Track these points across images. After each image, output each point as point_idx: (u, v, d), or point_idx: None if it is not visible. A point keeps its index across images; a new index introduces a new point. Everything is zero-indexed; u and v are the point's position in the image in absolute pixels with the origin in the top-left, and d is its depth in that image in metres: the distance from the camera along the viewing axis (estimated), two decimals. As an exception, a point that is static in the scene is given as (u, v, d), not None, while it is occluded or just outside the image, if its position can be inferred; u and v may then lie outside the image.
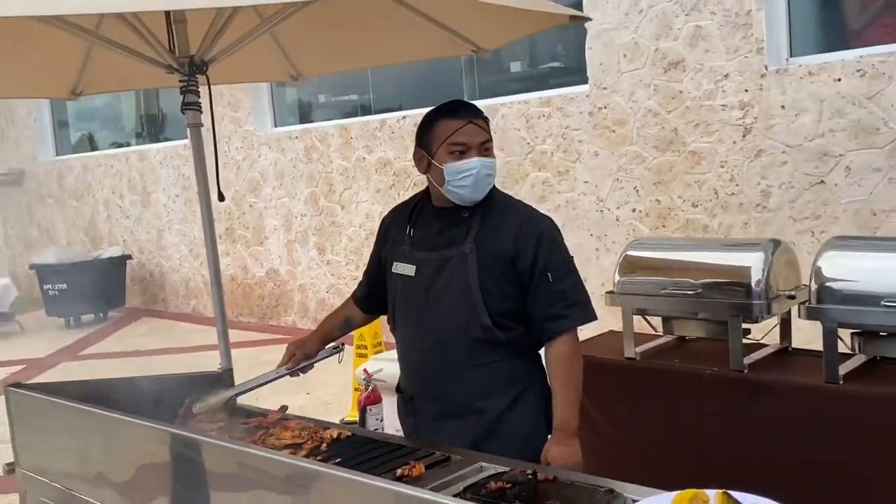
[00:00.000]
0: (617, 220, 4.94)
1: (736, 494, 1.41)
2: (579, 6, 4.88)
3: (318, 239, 7.00)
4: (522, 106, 5.40)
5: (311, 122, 7.32)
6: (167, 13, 2.62)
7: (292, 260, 7.26)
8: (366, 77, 6.75)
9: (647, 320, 3.03)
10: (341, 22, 2.98)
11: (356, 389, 4.24)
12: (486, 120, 2.14)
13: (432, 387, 2.15)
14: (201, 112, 2.61)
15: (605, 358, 2.92)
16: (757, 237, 4.17)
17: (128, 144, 9.63)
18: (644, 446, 2.80)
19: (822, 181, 4.17)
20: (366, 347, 4.54)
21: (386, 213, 2.34)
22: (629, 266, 2.93)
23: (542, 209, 5.53)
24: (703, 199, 4.58)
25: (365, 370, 3.64)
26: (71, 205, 9.77)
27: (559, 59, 5.86)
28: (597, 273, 4.78)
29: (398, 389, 2.32)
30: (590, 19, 2.73)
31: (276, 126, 7.47)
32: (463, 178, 2.06)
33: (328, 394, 4.95)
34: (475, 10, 2.61)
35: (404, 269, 2.16)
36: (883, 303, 2.41)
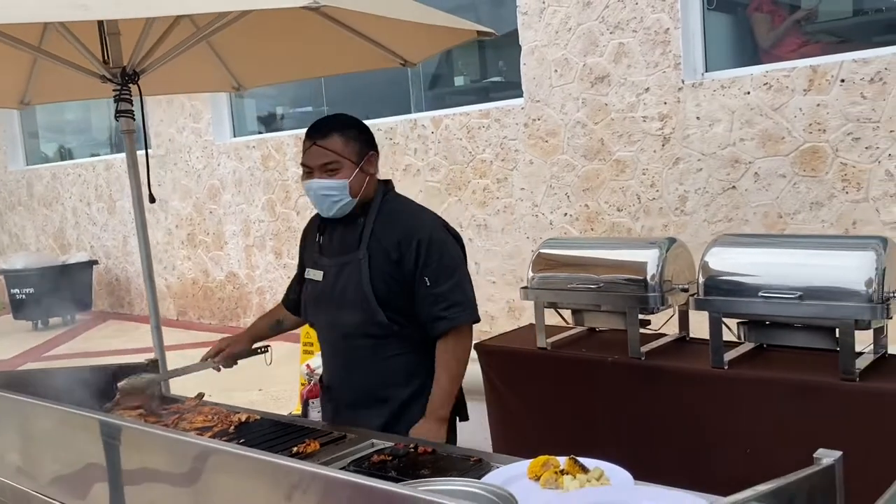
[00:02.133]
0: (550, 223, 5.25)
1: (582, 459, 1.60)
2: (514, 23, 5.20)
3: (275, 244, 7.23)
4: (464, 117, 5.70)
5: (269, 132, 7.56)
6: (100, 26, 2.83)
7: (250, 264, 7.47)
8: (321, 90, 7.01)
9: (559, 314, 3.32)
10: (277, 35, 3.20)
11: (302, 384, 4.48)
12: (343, 136, 2.20)
13: (343, 378, 2.37)
14: (133, 119, 2.83)
15: (520, 348, 3.20)
16: (656, 237, 4.49)
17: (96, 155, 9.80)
18: (551, 427, 3.08)
19: (733, 186, 4.51)
20: (312, 345, 4.78)
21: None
22: (541, 263, 3.21)
23: (482, 214, 5.81)
24: (627, 203, 4.90)
25: (308, 365, 3.89)
26: (41, 212, 9.89)
27: (500, 73, 6.17)
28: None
29: (320, 380, 2.56)
30: (494, 34, 3.00)
31: (235, 136, 7.69)
32: (310, 197, 2.26)
33: (279, 389, 5.18)
34: (399, 26, 2.84)
35: (314, 274, 2.36)
36: (761, 294, 2.69)
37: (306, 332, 4.88)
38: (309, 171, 2.25)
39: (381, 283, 2.23)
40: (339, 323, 2.30)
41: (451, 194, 5.78)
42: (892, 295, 2.51)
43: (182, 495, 1.51)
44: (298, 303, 2.51)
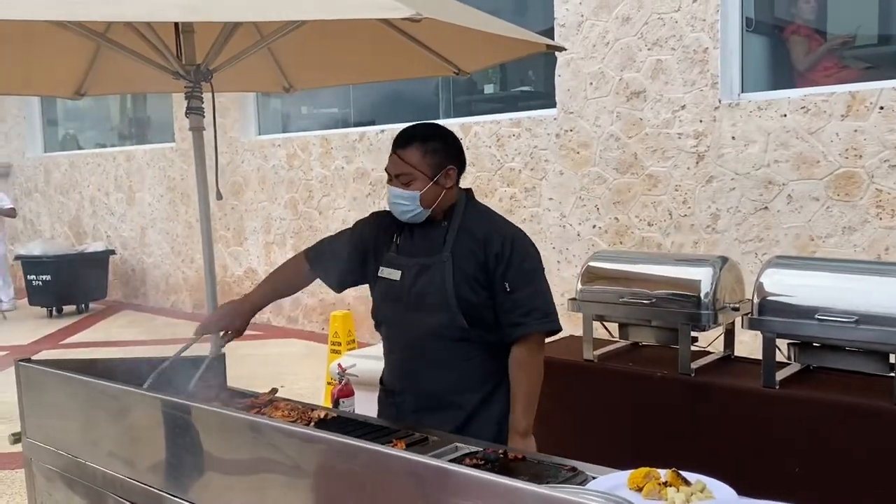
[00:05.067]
0: (578, 235, 5.29)
1: (684, 473, 1.64)
2: (551, 35, 5.24)
3: (296, 242, 7.24)
4: (494, 125, 5.73)
5: (293, 131, 7.58)
6: (176, 23, 2.84)
7: (270, 261, 7.49)
8: (347, 92, 7.04)
9: (605, 326, 3.35)
10: (333, 39, 3.18)
11: (329, 383, 4.51)
12: (423, 148, 2.22)
13: (412, 382, 2.35)
14: (203, 116, 2.84)
15: (566, 359, 3.22)
16: (706, 254, 4.54)
17: (113, 145, 9.80)
18: (599, 440, 3.11)
19: (766, 207, 4.56)
20: (339, 344, 4.81)
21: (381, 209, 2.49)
22: (590, 276, 3.25)
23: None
24: (658, 219, 4.95)
25: (339, 365, 3.90)
26: (57, 200, 9.88)
27: (529, 83, 6.22)
28: (558, 283, 5.11)
29: (381, 382, 2.55)
30: (564, 49, 3.04)
31: (259, 134, 7.71)
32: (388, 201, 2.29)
33: (302, 387, 5.20)
34: (459, 35, 2.80)
35: (390, 273, 2.34)
36: (816, 316, 2.73)
37: (335, 331, 4.91)
38: (389, 178, 2.29)
39: (463, 287, 2.24)
40: (416, 324, 2.29)
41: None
42: (948, 323, 2.56)
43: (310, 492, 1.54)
44: (324, 260, 2.47)
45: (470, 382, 2.30)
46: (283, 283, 2.57)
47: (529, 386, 2.27)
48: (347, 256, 2.44)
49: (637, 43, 4.98)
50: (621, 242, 5.10)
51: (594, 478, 1.72)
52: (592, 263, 3.31)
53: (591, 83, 5.20)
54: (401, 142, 2.27)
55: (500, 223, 2.36)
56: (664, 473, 1.63)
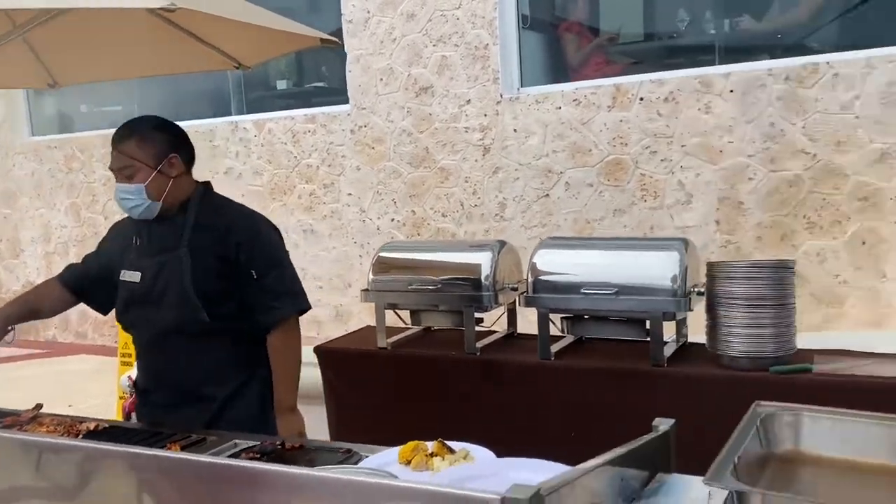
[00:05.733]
0: (378, 228, 5.36)
1: (449, 442, 1.76)
2: (339, 32, 5.26)
3: (80, 250, 6.75)
4: (289, 122, 5.68)
5: (73, 131, 7.06)
6: None
7: (51, 272, 6.91)
8: (132, 88, 6.66)
9: (397, 314, 3.44)
10: (98, 31, 3.02)
11: (121, 397, 4.27)
12: (140, 139, 2.23)
13: (159, 380, 2.36)
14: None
15: (362, 349, 3.28)
16: (486, 239, 4.77)
17: None
18: (396, 423, 3.18)
19: (547, 194, 4.86)
20: (130, 355, 4.56)
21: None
22: (381, 266, 3.32)
23: (309, 219, 5.81)
24: (451, 210, 5.13)
25: (129, 377, 3.72)
26: None
27: (323, 79, 6.21)
28: (359, 277, 5.17)
29: (134, 385, 2.50)
30: (338, 43, 3.07)
31: (33, 135, 7.11)
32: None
33: (91, 405, 4.88)
34: (235, 29, 2.78)
35: (131, 276, 2.33)
36: (582, 290, 2.96)
37: (124, 342, 4.65)
38: (115, 176, 2.27)
39: (203, 280, 2.25)
40: (157, 322, 2.28)
41: (276, 199, 5.73)
42: (692, 290, 2.86)
43: None
44: (82, 280, 2.46)
45: (217, 375, 2.31)
46: (38, 303, 2.48)
47: (290, 368, 2.33)
48: (98, 275, 2.41)
49: (422, 39, 5.12)
50: (418, 234, 5.24)
51: (367, 457, 1.77)
52: (382, 254, 3.38)
53: (382, 79, 5.28)
54: (118, 136, 2.27)
55: (240, 213, 2.39)
56: (431, 445, 1.71)
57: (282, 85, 6.31)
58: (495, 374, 3.10)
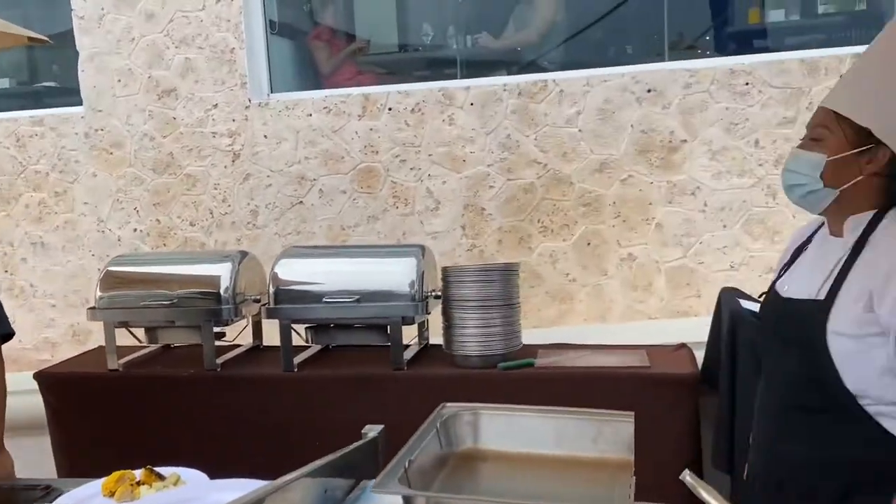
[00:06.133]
0: (119, 240, 5.02)
1: (159, 468, 1.68)
2: (69, 24, 4.87)
3: None
4: (12, 124, 5.14)
5: None
6: None
7: None
8: None
9: (131, 332, 3.24)
10: None
11: None
12: None
13: None
14: None
15: (89, 372, 3.05)
16: (226, 250, 4.65)
17: None
18: (130, 450, 2.99)
19: (301, 201, 4.82)
20: None
21: None
22: (111, 281, 3.11)
23: (38, 231, 5.33)
24: (199, 218, 4.92)
25: None
26: None
27: (53, 78, 5.70)
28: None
29: None
30: (48, 42, 2.84)
31: None
32: None
33: None
34: None
35: None
36: (325, 300, 2.98)
37: None
38: None
39: None
40: None
41: (0, 209, 5.18)
42: (429, 294, 2.97)
43: None
44: None
45: None
46: None
47: None
48: None
49: (164, 40, 4.87)
50: (165, 244, 4.97)
51: (67, 492, 1.64)
52: (112, 268, 3.18)
53: (119, 80, 4.95)
54: None
55: None
56: (139, 473, 1.62)
57: (3, 83, 5.71)
58: (238, 389, 3.03)
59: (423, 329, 3.21)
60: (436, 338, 3.18)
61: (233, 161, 4.87)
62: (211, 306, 3.00)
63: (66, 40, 5.05)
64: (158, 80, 4.90)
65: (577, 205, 4.50)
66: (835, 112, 1.53)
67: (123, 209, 5.02)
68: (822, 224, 1.69)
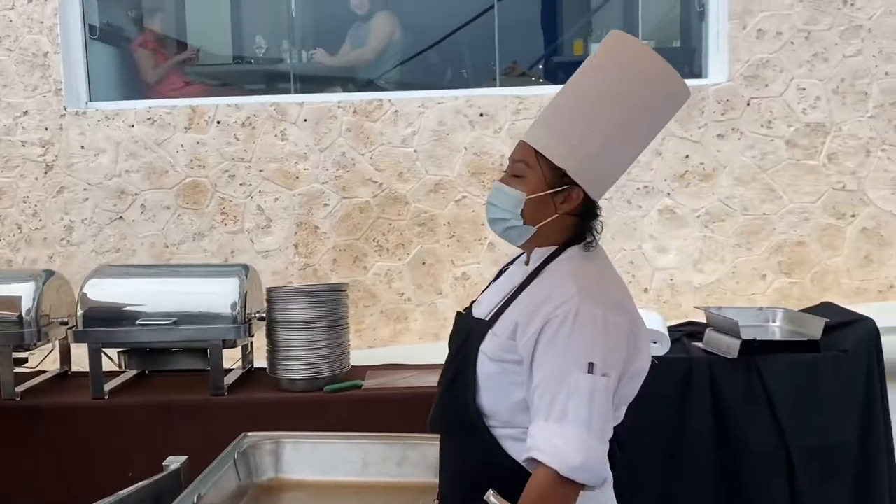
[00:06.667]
0: None
1: None
2: None
3: None
4: None
5: None
6: None
7: None
8: None
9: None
10: None
11: None
12: None
13: None
14: None
15: None
16: (29, 269, 4.32)
17: None
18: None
19: (121, 217, 4.55)
20: None
21: None
22: None
23: None
24: (6, 233, 4.53)
25: None
26: None
27: None
28: None
29: None
30: None
31: None
32: None
33: None
34: None
35: None
36: (139, 322, 2.81)
37: None
38: None
39: None
40: None
41: None
42: (253, 315, 2.88)
43: None
44: None
45: None
46: None
47: None
48: None
49: (-35, 39, 4.47)
50: (-37, 262, 4.53)
51: None
52: None
53: (-88, 80, 4.48)
54: None
55: None
56: None
57: None
58: (43, 419, 2.79)
59: (246, 352, 3.10)
60: (260, 361, 3.09)
61: (45, 173, 4.52)
62: (11, 330, 2.75)
63: None
64: (-41, 82, 4.49)
65: (413, 224, 4.54)
66: (535, 149, 1.53)
67: (-86, 222, 4.54)
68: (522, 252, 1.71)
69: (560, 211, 1.54)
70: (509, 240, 1.61)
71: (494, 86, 4.98)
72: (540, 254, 1.59)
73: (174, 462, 1.37)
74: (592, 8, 6.25)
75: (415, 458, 1.13)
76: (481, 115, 4.49)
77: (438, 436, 1.23)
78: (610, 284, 1.57)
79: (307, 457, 1.17)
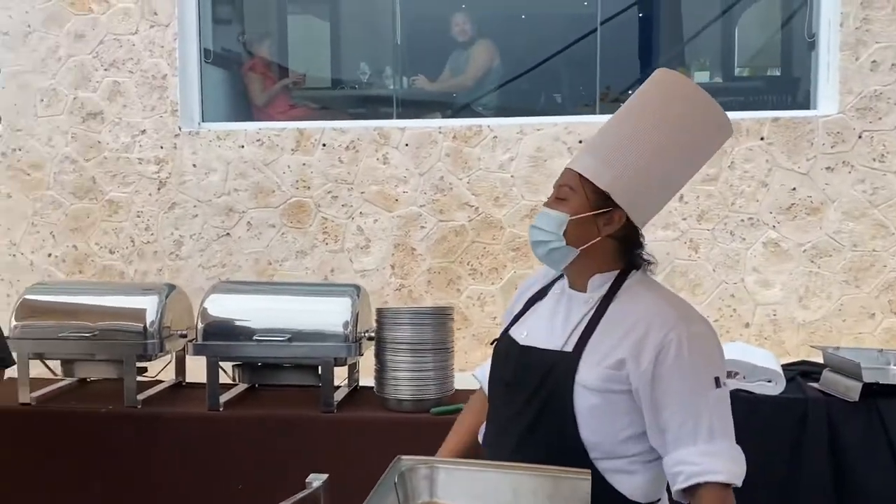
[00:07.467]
0: (31, 264, 4.80)
1: None
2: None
3: None
4: (-79, 138, 4.89)
5: None
6: None
7: None
8: None
9: (46, 364, 3.08)
10: None
11: None
12: None
13: None
14: None
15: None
16: (153, 282, 4.51)
17: None
18: (47, 488, 2.84)
19: (228, 233, 4.73)
20: None
21: None
22: (27, 310, 2.96)
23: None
24: (119, 246, 4.76)
25: None
26: None
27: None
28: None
29: None
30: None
31: None
32: None
33: None
34: None
35: None
36: (255, 337, 2.91)
37: None
38: None
39: None
40: None
41: None
42: (363, 335, 2.94)
43: None
44: None
45: None
46: None
47: None
48: None
49: (92, 62, 4.74)
50: (81, 272, 4.78)
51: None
52: (29, 296, 3.03)
53: (42, 99, 4.78)
54: None
55: None
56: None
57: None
58: (160, 427, 2.91)
59: (353, 371, 3.17)
60: (366, 380, 3.15)
61: (158, 189, 4.74)
62: (135, 340, 2.88)
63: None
64: (84, 102, 4.75)
65: (507, 249, 4.57)
66: (579, 173, 1.57)
67: (38, 233, 4.81)
68: (559, 277, 1.70)
69: (603, 233, 1.56)
70: (551, 263, 1.62)
71: (590, 111, 4.99)
72: (601, 280, 1.60)
73: (316, 480, 1.41)
74: (687, 36, 6.20)
75: (566, 492, 1.14)
76: (580, 141, 4.50)
77: (590, 471, 1.24)
78: (689, 303, 1.63)
79: (460, 483, 1.20)
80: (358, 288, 3.03)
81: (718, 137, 1.62)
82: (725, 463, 1.42)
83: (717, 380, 1.47)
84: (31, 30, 4.76)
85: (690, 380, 1.46)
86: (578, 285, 1.63)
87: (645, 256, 1.62)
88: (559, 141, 4.52)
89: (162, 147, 4.73)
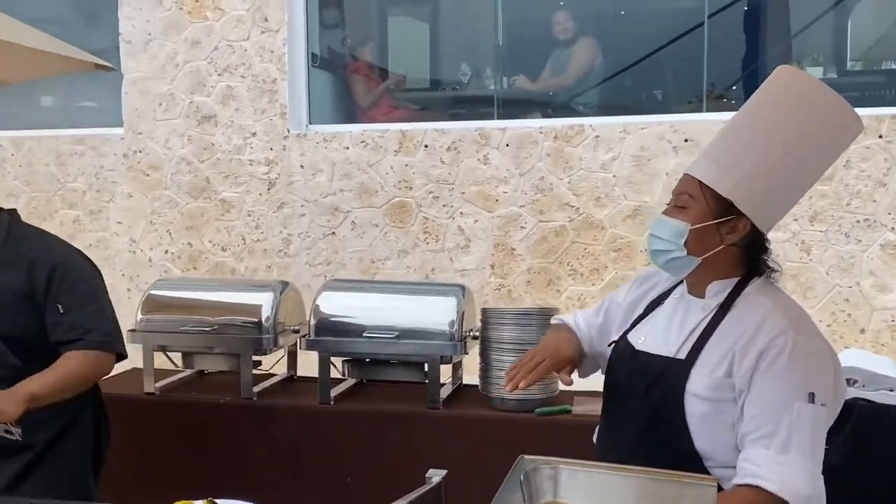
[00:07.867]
0: (150, 261, 5.07)
1: (220, 501, 1.70)
2: (117, 51, 4.97)
3: None
4: (53, 141, 5.23)
5: None
6: None
7: None
8: None
9: (168, 356, 3.25)
10: None
11: None
12: None
13: None
14: None
15: (126, 394, 3.05)
16: (267, 279, 4.68)
17: None
18: (168, 473, 3.00)
19: (333, 232, 4.86)
20: None
21: None
22: (152, 304, 3.13)
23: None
24: (231, 243, 4.97)
25: None
26: None
27: (95, 98, 5.80)
28: (129, 313, 4.81)
29: None
30: (113, 69, 2.92)
31: None
32: None
33: None
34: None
35: None
36: (365, 334, 2.99)
37: None
38: None
39: (8, 321, 2.05)
40: None
41: (34, 225, 5.23)
42: (468, 334, 2.98)
43: None
44: None
45: (39, 419, 2.05)
46: None
47: (61, 375, 2.06)
48: None
49: (207, 67, 4.96)
50: (195, 268, 5.01)
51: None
52: (154, 292, 3.20)
53: (161, 104, 5.04)
54: None
55: (46, 247, 2.19)
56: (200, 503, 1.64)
57: (46, 101, 5.81)
58: (274, 419, 3.02)
59: (458, 369, 3.22)
60: (469, 378, 3.19)
61: (268, 189, 4.92)
62: (251, 335, 3.01)
63: (105, 58, 5.14)
64: (199, 105, 4.98)
65: (608, 250, 4.53)
66: (699, 180, 1.52)
67: (156, 231, 5.07)
68: (678, 282, 1.66)
69: (726, 242, 1.52)
70: (671, 271, 1.60)
71: (696, 108, 4.88)
72: (719, 287, 1.56)
73: (436, 475, 1.45)
74: (795, 29, 5.97)
75: (692, 499, 1.14)
76: (686, 140, 4.42)
77: (716, 478, 1.24)
78: (808, 317, 1.57)
79: (583, 485, 1.22)
80: (463, 288, 3.07)
81: (847, 135, 1.56)
82: (786, 476, 1.36)
83: (811, 395, 1.41)
84: (152, 37, 5.03)
85: (781, 387, 1.42)
86: (696, 291, 1.61)
87: (770, 263, 1.58)
88: (664, 140, 4.45)
89: (272, 149, 4.91)
